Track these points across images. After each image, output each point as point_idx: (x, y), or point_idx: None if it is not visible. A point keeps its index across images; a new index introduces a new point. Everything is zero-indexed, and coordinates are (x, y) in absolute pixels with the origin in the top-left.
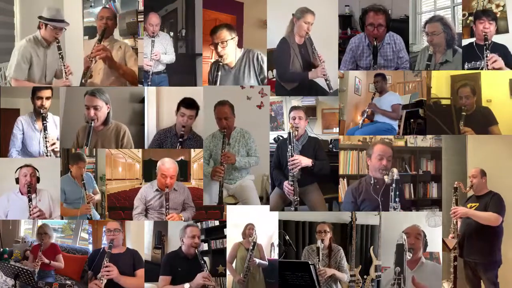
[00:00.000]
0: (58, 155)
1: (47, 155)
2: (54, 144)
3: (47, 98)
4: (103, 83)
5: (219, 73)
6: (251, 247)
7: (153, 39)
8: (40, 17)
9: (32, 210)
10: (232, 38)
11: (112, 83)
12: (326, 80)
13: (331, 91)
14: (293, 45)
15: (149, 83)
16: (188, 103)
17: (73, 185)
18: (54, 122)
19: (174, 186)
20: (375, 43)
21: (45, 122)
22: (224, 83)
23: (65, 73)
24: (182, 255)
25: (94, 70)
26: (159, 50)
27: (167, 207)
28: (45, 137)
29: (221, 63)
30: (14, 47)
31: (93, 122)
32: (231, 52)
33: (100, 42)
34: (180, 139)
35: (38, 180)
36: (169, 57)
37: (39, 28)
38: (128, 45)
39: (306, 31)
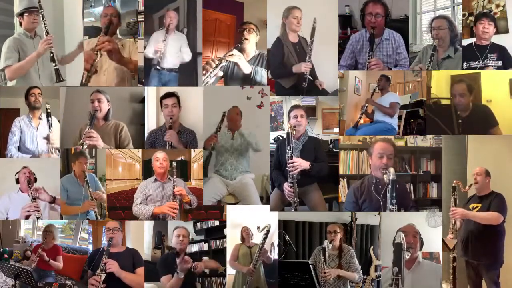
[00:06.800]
0: (58, 149)
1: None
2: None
3: (39, 94)
4: (110, 84)
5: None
6: (264, 236)
7: (166, 35)
8: (17, 14)
9: (30, 206)
10: (256, 33)
11: (118, 83)
12: (304, 74)
13: (304, 84)
14: (287, 43)
15: (158, 67)
16: (167, 94)
17: (75, 185)
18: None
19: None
20: (372, 31)
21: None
22: (237, 72)
23: (46, 32)
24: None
25: (100, 69)
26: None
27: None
28: (48, 120)
29: (239, 45)
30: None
31: (96, 112)
32: (252, 42)
33: (106, 34)
34: (170, 124)
35: (35, 180)
36: (187, 56)
37: (20, 25)
38: (134, 43)
39: (297, 25)
